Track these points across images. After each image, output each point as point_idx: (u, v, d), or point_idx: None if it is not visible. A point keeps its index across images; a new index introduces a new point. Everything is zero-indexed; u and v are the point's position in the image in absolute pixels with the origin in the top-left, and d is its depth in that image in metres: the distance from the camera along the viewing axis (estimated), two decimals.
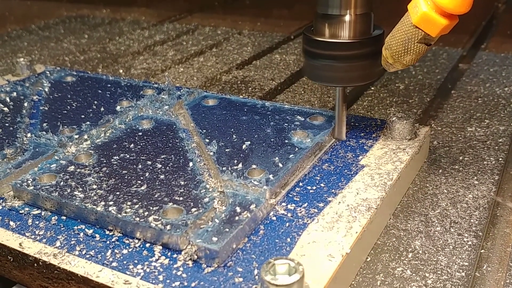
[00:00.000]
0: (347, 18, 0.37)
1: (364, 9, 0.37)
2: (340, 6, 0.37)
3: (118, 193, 0.34)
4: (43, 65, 0.62)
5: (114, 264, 0.29)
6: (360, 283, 0.31)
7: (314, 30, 0.39)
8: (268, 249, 0.30)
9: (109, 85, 0.54)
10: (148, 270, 0.29)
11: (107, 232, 0.32)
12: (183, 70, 0.71)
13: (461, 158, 0.44)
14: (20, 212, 0.35)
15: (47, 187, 0.35)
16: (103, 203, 0.33)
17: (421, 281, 0.31)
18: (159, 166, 0.38)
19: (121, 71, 0.72)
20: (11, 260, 0.32)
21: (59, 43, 0.88)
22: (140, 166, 0.38)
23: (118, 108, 0.48)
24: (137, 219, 0.31)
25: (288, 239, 0.31)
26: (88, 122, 0.44)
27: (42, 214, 0.34)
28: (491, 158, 0.44)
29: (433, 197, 0.39)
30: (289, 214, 0.33)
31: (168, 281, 0.28)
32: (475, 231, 0.35)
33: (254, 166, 0.36)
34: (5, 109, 0.49)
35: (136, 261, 0.29)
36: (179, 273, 0.28)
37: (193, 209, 0.32)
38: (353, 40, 0.37)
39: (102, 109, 0.48)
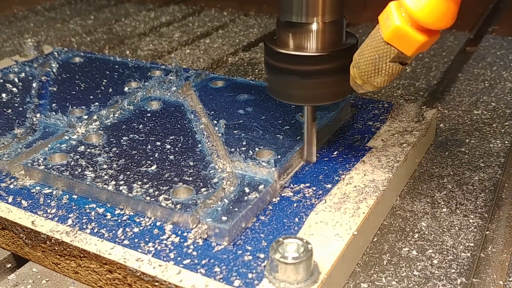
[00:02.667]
0: (314, 26, 0.31)
1: (335, 15, 0.32)
2: (307, 12, 0.31)
3: (128, 172, 0.35)
4: (50, 46, 0.62)
5: (125, 242, 0.30)
6: (366, 263, 0.32)
7: (278, 40, 0.33)
8: (276, 228, 0.31)
9: (116, 66, 0.54)
10: (159, 248, 0.29)
11: (118, 211, 0.33)
12: (190, 52, 0.71)
13: (467, 140, 0.44)
14: (32, 191, 0.35)
15: (58, 166, 0.36)
16: (113, 182, 0.34)
17: (427, 261, 0.31)
18: (168, 147, 0.38)
19: (127, 52, 0.72)
20: (24, 238, 0.33)
21: (65, 24, 0.88)
22: (149, 147, 0.38)
23: (126, 89, 0.48)
24: (148, 198, 0.32)
25: (296, 219, 0.31)
26: (97, 103, 0.44)
27: (54, 193, 0.35)
28: (497, 141, 0.44)
29: (440, 179, 0.39)
30: (297, 195, 0.34)
31: (179, 258, 0.28)
32: (480, 213, 0.35)
33: (262, 147, 0.36)
34: (14, 89, 0.50)
35: (147, 239, 0.30)
36: (189, 251, 0.29)
37: (203, 189, 0.32)
38: (321, 53, 0.32)
39: (110, 90, 0.48)
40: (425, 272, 0.30)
